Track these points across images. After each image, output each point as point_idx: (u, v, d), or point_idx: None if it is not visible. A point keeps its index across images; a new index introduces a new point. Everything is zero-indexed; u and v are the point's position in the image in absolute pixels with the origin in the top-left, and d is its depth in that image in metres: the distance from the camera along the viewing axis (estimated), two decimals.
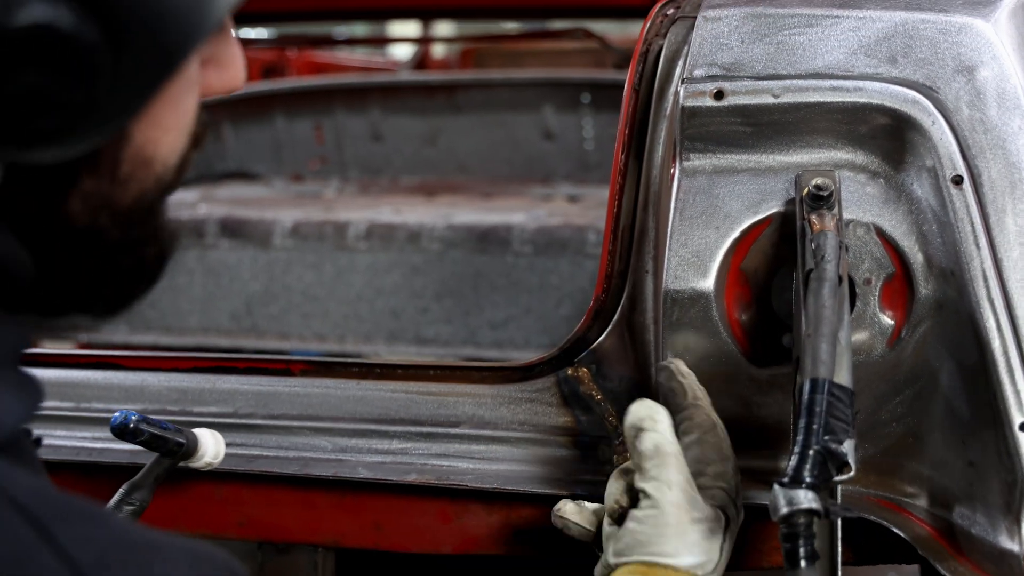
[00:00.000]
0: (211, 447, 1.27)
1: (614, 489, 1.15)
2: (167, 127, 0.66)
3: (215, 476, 1.35)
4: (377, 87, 3.45)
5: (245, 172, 3.52)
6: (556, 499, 1.18)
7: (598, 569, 1.12)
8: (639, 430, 1.10)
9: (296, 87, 3.58)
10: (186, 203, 2.77)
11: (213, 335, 2.52)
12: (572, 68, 4.05)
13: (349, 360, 1.42)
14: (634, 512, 1.08)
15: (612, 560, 1.08)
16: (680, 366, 1.17)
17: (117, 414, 1.17)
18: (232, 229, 2.49)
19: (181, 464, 1.27)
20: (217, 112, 3.47)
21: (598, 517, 1.17)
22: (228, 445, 1.31)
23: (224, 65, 0.70)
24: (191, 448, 1.25)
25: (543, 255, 2.36)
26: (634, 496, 1.11)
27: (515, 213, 2.50)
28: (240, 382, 1.40)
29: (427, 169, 3.38)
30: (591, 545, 1.17)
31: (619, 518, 1.12)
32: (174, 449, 1.23)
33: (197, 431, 1.27)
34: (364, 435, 1.34)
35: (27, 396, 0.63)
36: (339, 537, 1.37)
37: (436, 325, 2.40)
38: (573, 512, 1.18)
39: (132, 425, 1.17)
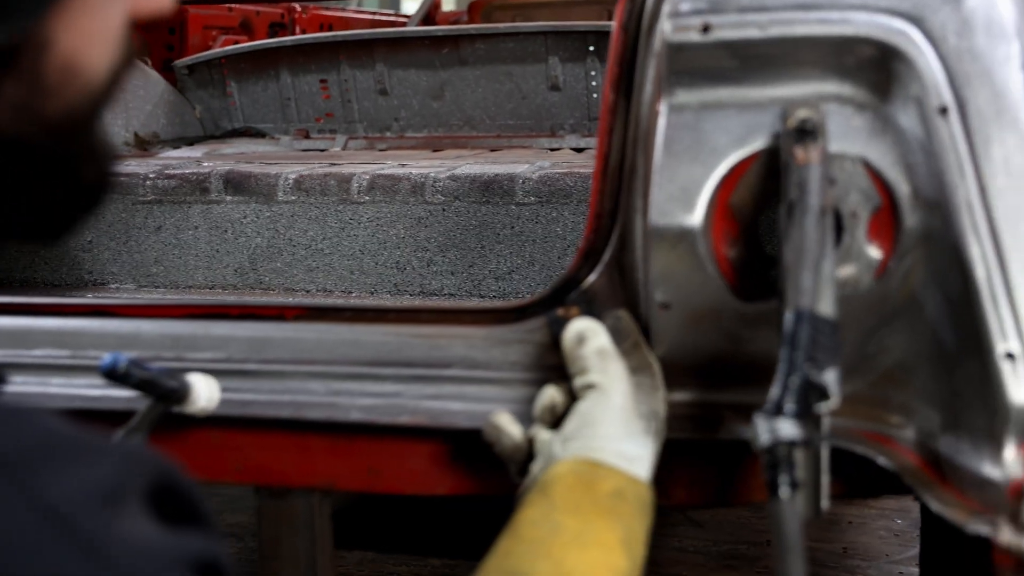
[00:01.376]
0: (204, 392, 1.28)
1: (547, 395, 1.18)
2: (91, 36, 0.66)
3: (211, 422, 1.36)
4: (382, 40, 3.42)
5: (251, 129, 3.51)
6: None
7: (535, 472, 1.13)
8: (582, 339, 1.14)
9: (300, 41, 3.56)
10: (191, 159, 2.77)
11: (218, 291, 2.52)
12: (579, 20, 4.01)
13: (341, 305, 1.42)
14: (581, 403, 1.12)
15: (559, 450, 1.10)
16: (626, 316, 1.21)
17: (107, 357, 1.18)
18: (236, 184, 2.48)
19: (176, 409, 1.28)
20: (223, 70, 3.46)
21: (526, 438, 1.19)
22: (223, 391, 1.31)
23: None
24: (184, 393, 1.25)
25: (547, 204, 2.35)
26: (572, 399, 1.15)
27: (519, 164, 2.49)
28: (234, 328, 1.41)
29: (434, 123, 3.36)
30: (508, 468, 1.19)
31: (555, 423, 1.16)
32: (167, 394, 1.24)
33: (191, 376, 1.28)
34: (357, 378, 1.35)
35: None
36: (334, 480, 1.38)
37: (441, 277, 2.40)
38: (510, 422, 1.20)
39: (122, 368, 1.18)
